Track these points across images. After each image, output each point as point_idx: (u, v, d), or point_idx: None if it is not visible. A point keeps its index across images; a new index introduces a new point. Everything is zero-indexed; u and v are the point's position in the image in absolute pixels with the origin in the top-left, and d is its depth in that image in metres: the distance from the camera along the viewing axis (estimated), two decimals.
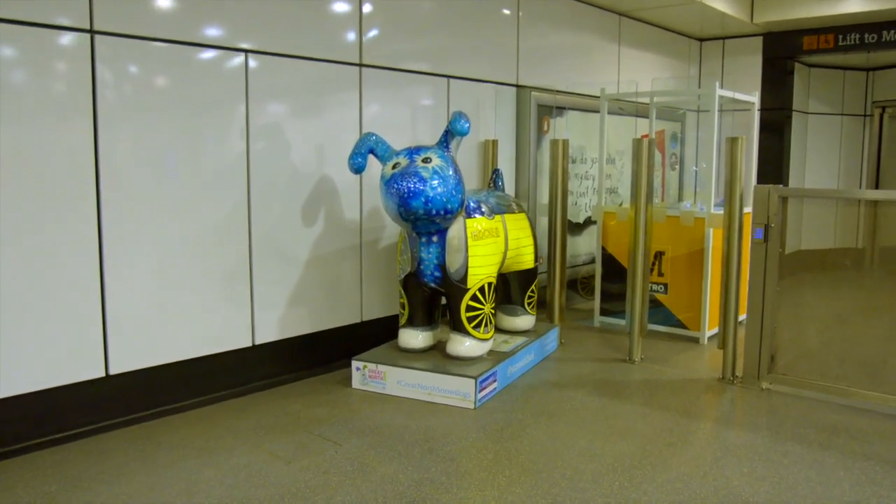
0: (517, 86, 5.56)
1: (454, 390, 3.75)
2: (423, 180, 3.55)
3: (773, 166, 7.76)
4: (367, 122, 4.39)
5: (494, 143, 5.24)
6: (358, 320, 4.53)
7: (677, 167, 7.22)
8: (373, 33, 4.37)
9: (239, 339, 3.91)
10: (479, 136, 5.25)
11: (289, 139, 4.02)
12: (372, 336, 4.52)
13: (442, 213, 3.65)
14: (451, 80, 4.96)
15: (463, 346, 3.97)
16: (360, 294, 4.51)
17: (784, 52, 7.70)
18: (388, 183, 3.60)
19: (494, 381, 3.91)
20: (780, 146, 7.87)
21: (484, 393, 3.79)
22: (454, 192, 3.67)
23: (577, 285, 6.28)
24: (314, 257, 4.21)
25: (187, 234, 3.61)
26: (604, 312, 5.52)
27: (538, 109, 5.62)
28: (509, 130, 5.56)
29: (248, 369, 3.97)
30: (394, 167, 3.70)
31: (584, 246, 6.34)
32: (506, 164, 5.50)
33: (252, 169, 3.84)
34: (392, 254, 4.60)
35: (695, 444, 3.33)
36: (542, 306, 5.11)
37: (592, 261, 6.26)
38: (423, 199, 3.55)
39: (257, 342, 3.98)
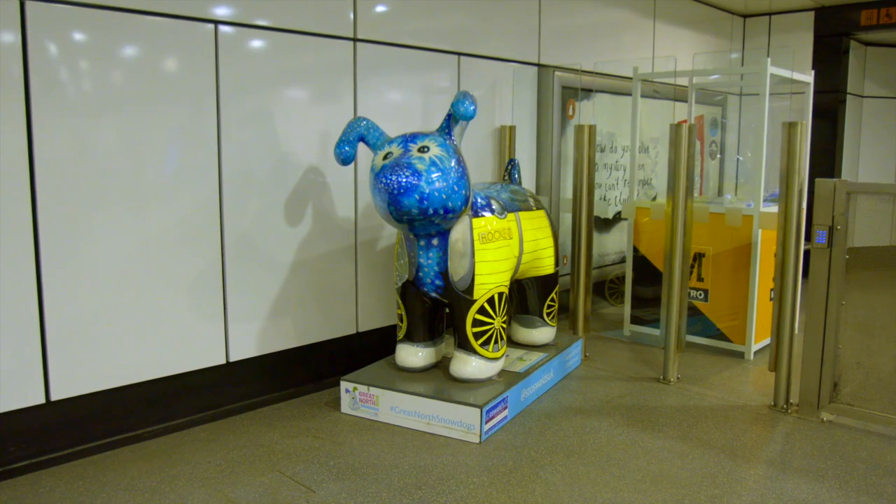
0: (539, 65, 4.94)
1: (456, 421, 3.19)
2: (417, 173, 2.97)
3: (825, 156, 7.03)
4: (361, 106, 3.82)
5: (512, 129, 4.65)
6: (353, 332, 3.98)
7: (718, 156, 6.54)
8: (369, 3, 3.80)
9: (209, 357, 3.38)
10: (494, 122, 4.66)
11: (268, 125, 3.47)
12: (369, 349, 3.98)
13: (441, 212, 3.07)
14: (463, 58, 4.37)
15: (468, 366, 3.40)
16: (354, 302, 3.96)
17: (838, 28, 6.94)
18: (378, 176, 3.03)
19: (505, 408, 3.34)
20: (833, 133, 7.12)
21: (492, 424, 3.22)
22: (456, 187, 3.08)
23: (605, 289, 5.66)
24: (300, 261, 3.67)
25: (145, 235, 3.08)
26: (634, 320, 4.91)
27: (562, 92, 5.01)
28: (529, 115, 4.95)
29: (221, 391, 3.45)
30: (385, 157, 3.12)
31: (614, 244, 5.72)
32: (525, 154, 4.90)
33: (224, 159, 3.30)
34: (393, 255, 4.04)
35: (744, 498, 2.73)
36: (565, 312, 4.52)
37: (622, 261, 5.65)
38: (416, 196, 2.97)
39: (232, 359, 3.46)
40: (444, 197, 3.03)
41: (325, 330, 3.85)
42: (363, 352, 3.97)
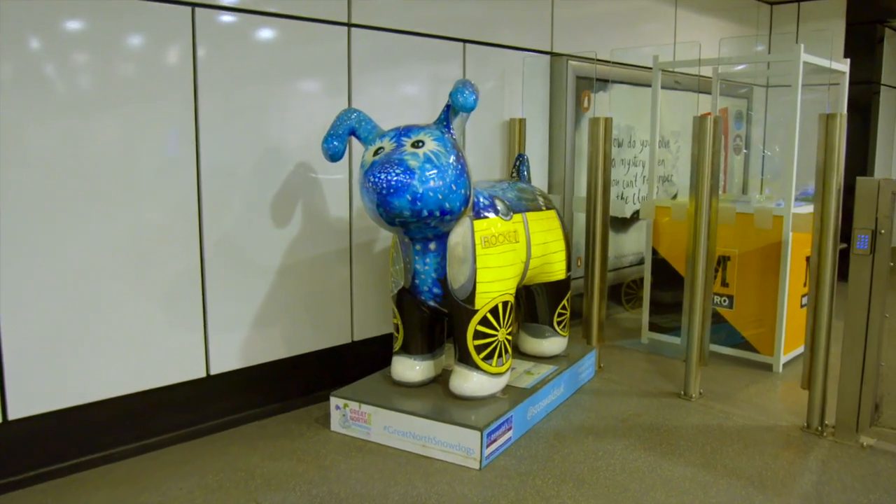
0: (551, 53, 4.62)
1: (454, 444, 2.89)
2: (409, 171, 2.66)
3: (858, 152, 6.63)
4: (356, 97, 3.53)
5: (522, 122, 4.33)
6: (348, 340, 3.69)
7: (744, 151, 6.18)
8: None
9: (188, 370, 3.11)
10: (503, 114, 4.35)
11: (253, 117, 3.19)
12: (366, 359, 3.69)
13: (437, 214, 2.76)
14: (468, 46, 4.06)
15: (469, 382, 3.10)
16: (349, 309, 3.67)
17: (872, 14, 6.55)
18: (366, 174, 2.72)
19: (509, 428, 3.04)
20: (866, 127, 6.73)
21: (494, 447, 2.92)
22: (454, 186, 2.77)
23: (622, 294, 5.32)
24: (289, 265, 3.38)
25: (114, 238, 2.81)
26: (653, 328, 4.58)
27: (577, 82, 4.68)
28: (541, 107, 4.63)
29: (200, 407, 3.18)
30: (376, 153, 2.82)
31: (631, 244, 5.39)
32: (536, 149, 4.58)
33: (203, 154, 3.02)
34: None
35: None
36: (578, 318, 4.21)
37: (640, 262, 5.32)
38: (408, 197, 2.66)
39: (213, 372, 3.18)
40: (441, 197, 2.72)
41: (317, 339, 3.57)
42: (359, 362, 3.68)
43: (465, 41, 4.03)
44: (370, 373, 3.51)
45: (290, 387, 3.49)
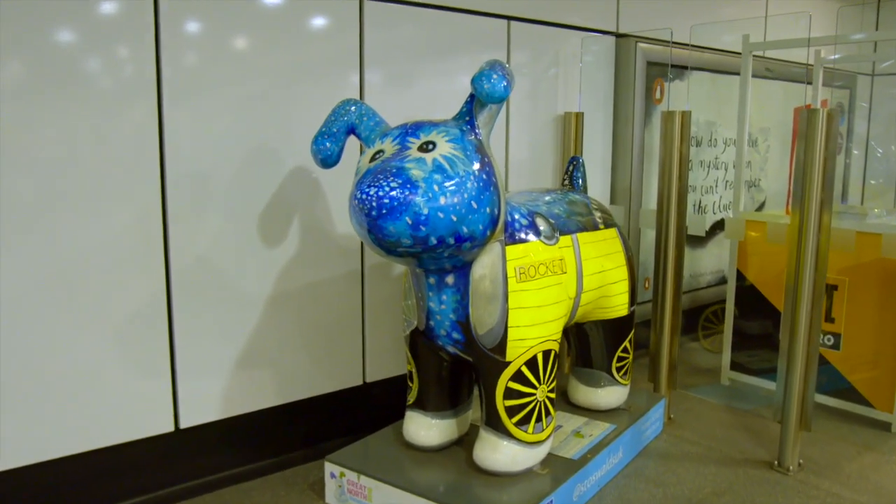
0: (617, 34, 3.85)
1: None
2: (409, 184, 1.96)
3: None
4: (369, 87, 2.87)
5: (579, 117, 3.59)
6: (358, 382, 3.05)
7: (854, 153, 5.26)
8: None
9: (151, 423, 2.51)
10: (556, 108, 3.62)
11: (235, 112, 2.56)
12: (380, 405, 3.06)
13: (450, 241, 2.06)
14: (514, 24, 3.35)
15: (498, 454, 2.40)
16: (361, 344, 3.02)
17: None
18: (355, 188, 2.04)
19: None
20: None
21: None
22: (475, 204, 2.06)
23: (699, 327, 4.49)
24: (284, 292, 2.75)
25: (56, 262, 2.22)
26: (736, 367, 3.78)
27: (647, 69, 3.90)
28: (603, 99, 3.87)
29: (166, 468, 2.58)
30: (374, 158, 2.14)
31: (710, 261, 4.57)
32: (596, 149, 3.83)
33: (169, 157, 2.41)
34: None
35: None
36: (642, 349, 3.46)
37: (720, 282, 4.51)
38: (407, 219, 1.94)
39: (183, 425, 2.58)
40: (455, 219, 2.01)
41: (320, 382, 2.93)
42: (372, 408, 3.05)
43: (509, 18, 3.32)
44: (387, 422, 2.87)
45: (284, 441, 2.87)
